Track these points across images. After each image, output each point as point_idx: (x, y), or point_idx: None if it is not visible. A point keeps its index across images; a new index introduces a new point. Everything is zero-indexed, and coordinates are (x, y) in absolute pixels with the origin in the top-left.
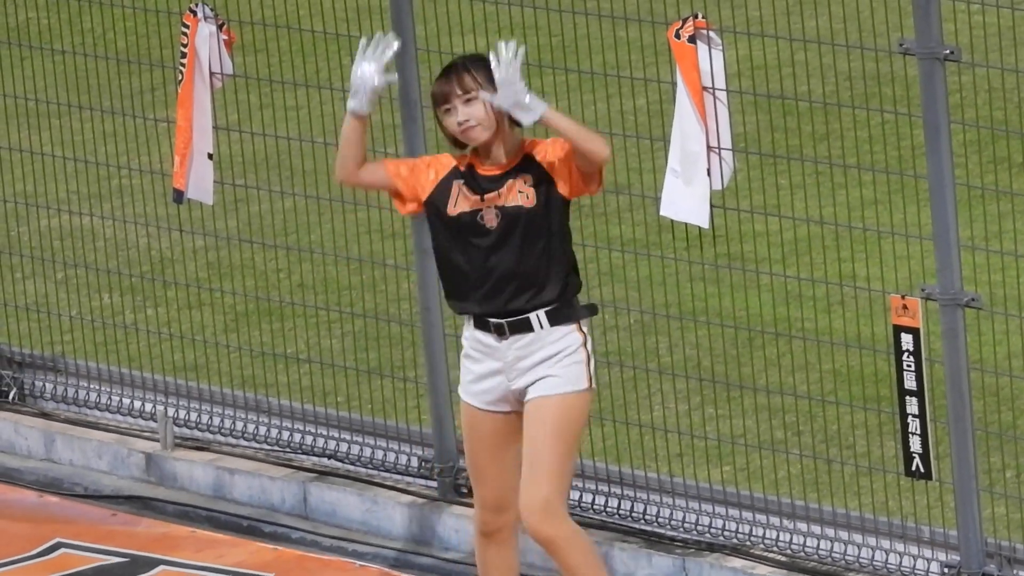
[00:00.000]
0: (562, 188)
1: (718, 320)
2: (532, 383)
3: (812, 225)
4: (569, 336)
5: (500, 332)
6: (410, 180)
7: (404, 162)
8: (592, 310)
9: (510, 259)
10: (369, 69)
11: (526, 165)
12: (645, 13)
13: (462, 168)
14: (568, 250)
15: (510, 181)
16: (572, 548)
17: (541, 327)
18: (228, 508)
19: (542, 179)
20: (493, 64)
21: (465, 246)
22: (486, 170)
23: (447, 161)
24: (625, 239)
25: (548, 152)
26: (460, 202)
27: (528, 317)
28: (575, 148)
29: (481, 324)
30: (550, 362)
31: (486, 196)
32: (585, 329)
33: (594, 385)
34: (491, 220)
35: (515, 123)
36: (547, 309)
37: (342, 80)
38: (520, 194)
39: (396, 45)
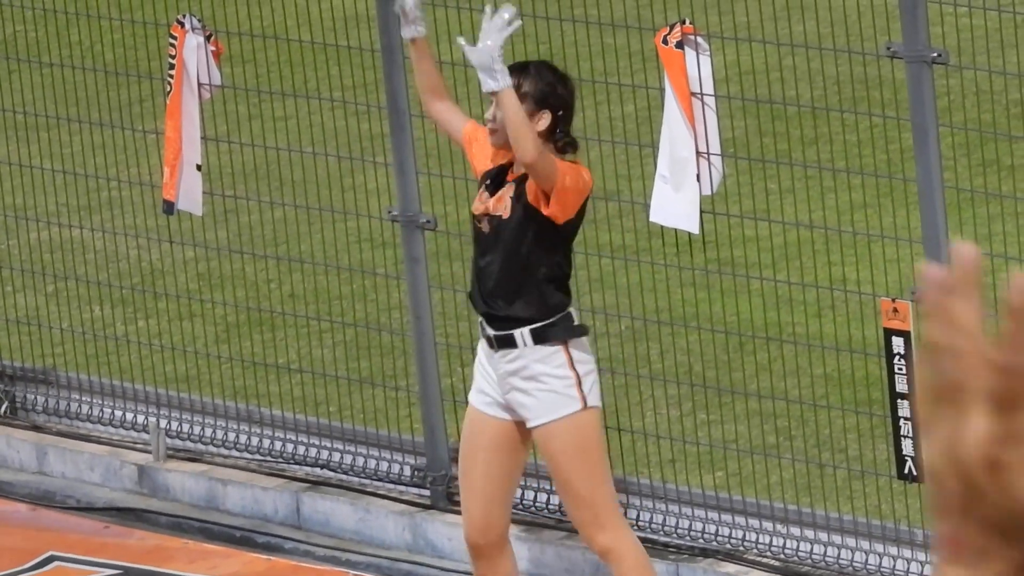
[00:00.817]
0: (531, 199)
1: (709, 325)
2: (524, 405)
3: (802, 229)
4: (554, 356)
5: (490, 344)
6: (476, 155)
7: (480, 135)
8: (582, 330)
9: (495, 265)
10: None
11: (520, 183)
12: (633, 20)
13: (492, 166)
14: (553, 268)
15: (502, 191)
16: (623, 560)
17: (525, 344)
18: (221, 519)
19: (523, 192)
20: (486, 17)
21: (474, 243)
22: (512, 174)
23: (485, 155)
24: (615, 245)
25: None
26: (478, 200)
27: (512, 334)
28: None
29: (482, 331)
30: (539, 384)
31: (491, 200)
32: (574, 350)
33: (592, 403)
34: (485, 226)
35: (560, 150)
36: (531, 327)
37: (330, 90)
38: (503, 206)
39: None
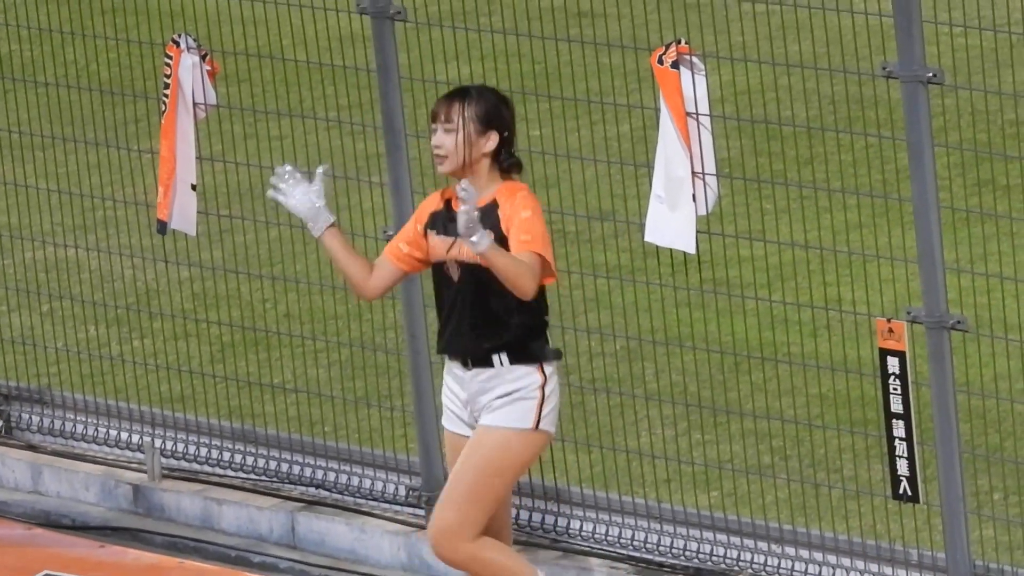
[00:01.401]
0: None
1: (704, 345)
2: (489, 410)
3: (797, 249)
4: (529, 376)
5: (465, 363)
6: (414, 254)
7: (403, 238)
8: (556, 355)
9: (469, 306)
10: (300, 195)
11: (491, 214)
12: (628, 40)
13: (440, 205)
14: (530, 301)
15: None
16: (479, 564)
17: (501, 364)
18: (216, 539)
19: (498, 237)
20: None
21: (439, 288)
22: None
23: (428, 206)
24: (610, 265)
25: (509, 212)
26: (435, 248)
27: (489, 353)
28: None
29: (451, 353)
30: (508, 396)
31: (451, 249)
32: (547, 372)
33: (544, 427)
34: (454, 273)
35: (505, 171)
36: (508, 350)
37: (326, 110)
38: None
39: (286, 169)
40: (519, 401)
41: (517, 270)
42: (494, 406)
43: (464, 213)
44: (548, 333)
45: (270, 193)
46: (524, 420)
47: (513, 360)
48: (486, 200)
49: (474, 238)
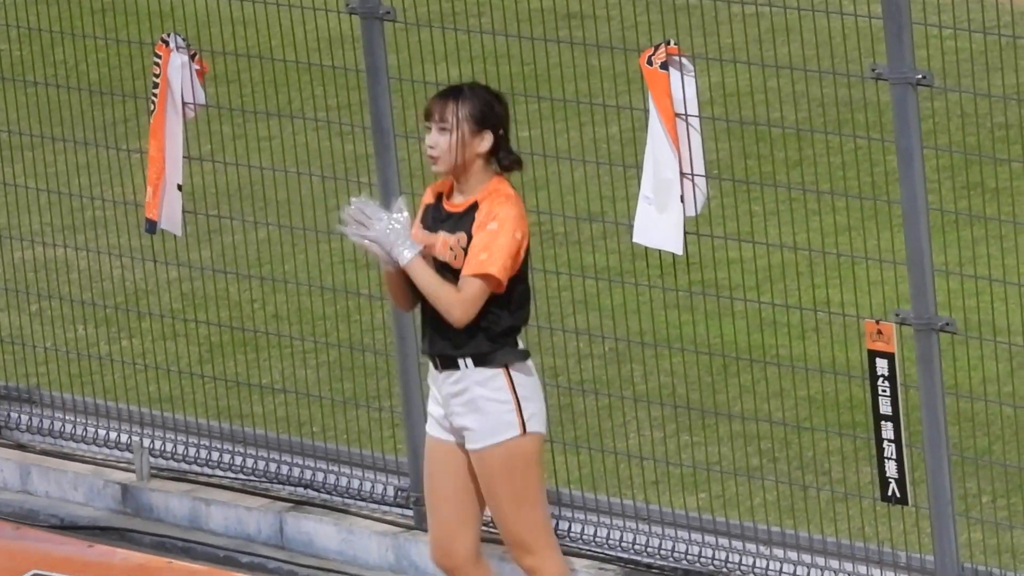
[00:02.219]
0: None
1: (693, 347)
2: (466, 429)
3: (786, 251)
4: (495, 380)
5: (435, 364)
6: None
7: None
8: (524, 355)
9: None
10: (384, 224)
11: (468, 216)
12: (618, 41)
13: (432, 200)
14: (502, 309)
15: (444, 236)
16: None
17: (466, 367)
18: (205, 539)
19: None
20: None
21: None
22: (451, 204)
23: (424, 200)
24: (599, 267)
25: (483, 218)
26: (417, 233)
27: (455, 356)
28: None
29: (426, 354)
30: (479, 408)
31: (427, 244)
32: (515, 373)
33: (532, 428)
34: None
35: (506, 168)
36: (473, 353)
37: (315, 110)
38: (450, 251)
39: (359, 200)
40: (496, 413)
41: (437, 295)
42: (471, 421)
43: (383, 221)
44: (523, 337)
45: (341, 229)
46: (510, 429)
47: (477, 363)
48: (470, 201)
49: (394, 251)
